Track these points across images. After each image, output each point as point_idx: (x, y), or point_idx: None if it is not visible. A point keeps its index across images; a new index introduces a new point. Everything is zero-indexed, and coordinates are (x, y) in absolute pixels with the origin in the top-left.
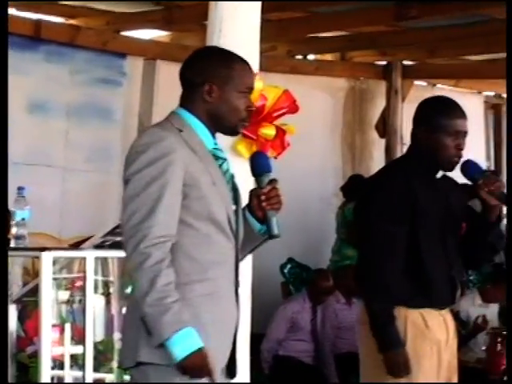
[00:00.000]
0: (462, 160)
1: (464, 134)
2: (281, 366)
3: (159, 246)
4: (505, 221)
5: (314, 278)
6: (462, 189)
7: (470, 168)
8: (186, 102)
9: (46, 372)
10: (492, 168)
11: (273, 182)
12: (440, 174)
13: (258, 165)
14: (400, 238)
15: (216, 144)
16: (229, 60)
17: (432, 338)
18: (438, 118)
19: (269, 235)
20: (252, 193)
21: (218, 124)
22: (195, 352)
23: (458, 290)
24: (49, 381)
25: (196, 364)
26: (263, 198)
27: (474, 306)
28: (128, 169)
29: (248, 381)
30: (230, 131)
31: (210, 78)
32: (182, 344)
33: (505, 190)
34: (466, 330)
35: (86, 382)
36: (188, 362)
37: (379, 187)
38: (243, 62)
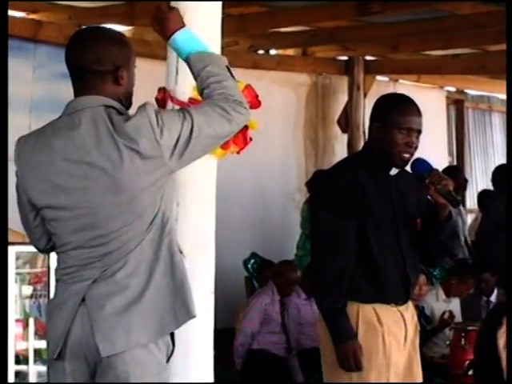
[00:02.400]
0: (415, 157)
1: (417, 131)
2: (254, 359)
3: None
4: (460, 220)
5: (281, 269)
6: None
7: (418, 166)
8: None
9: (10, 367)
10: (454, 163)
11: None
12: (395, 170)
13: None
14: (349, 232)
15: None
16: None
17: (385, 333)
18: (390, 114)
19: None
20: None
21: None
22: None
23: (411, 285)
24: (13, 376)
25: None
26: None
27: (438, 302)
28: None
29: (212, 378)
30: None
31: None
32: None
33: (451, 189)
34: (431, 326)
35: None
36: None
37: (327, 182)
38: None
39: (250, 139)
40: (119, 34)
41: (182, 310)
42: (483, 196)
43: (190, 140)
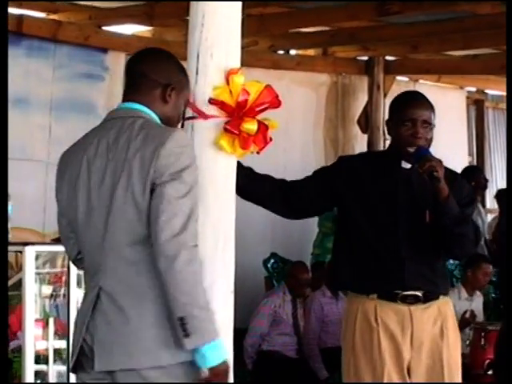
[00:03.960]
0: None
1: (422, 122)
2: (264, 360)
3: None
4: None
5: (293, 270)
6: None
7: (417, 153)
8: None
9: (29, 367)
10: (474, 163)
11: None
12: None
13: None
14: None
15: None
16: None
17: (381, 332)
18: (395, 109)
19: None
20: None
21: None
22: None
23: (410, 280)
24: (32, 375)
25: (226, 371)
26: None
27: (460, 300)
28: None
29: (231, 377)
30: None
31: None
32: (220, 350)
33: (439, 171)
34: None
35: (70, 376)
36: (222, 367)
37: None
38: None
39: (270, 139)
40: (177, 60)
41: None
42: (501, 195)
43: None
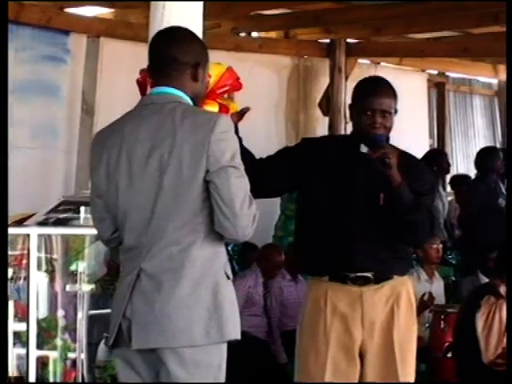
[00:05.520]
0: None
1: (381, 111)
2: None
3: None
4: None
5: (266, 252)
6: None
7: (373, 141)
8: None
9: None
10: (435, 145)
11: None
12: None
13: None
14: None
15: None
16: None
17: (328, 313)
18: (356, 97)
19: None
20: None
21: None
22: None
23: (359, 261)
24: None
25: None
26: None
27: (420, 283)
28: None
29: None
30: None
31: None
32: None
33: (391, 159)
34: None
35: (30, 359)
36: None
37: None
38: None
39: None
40: (198, 36)
41: (215, 329)
42: (455, 181)
43: None
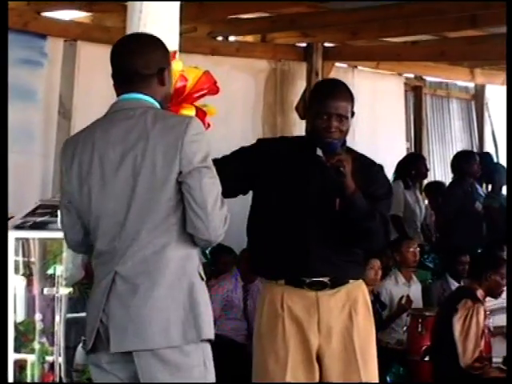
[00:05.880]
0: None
1: (337, 115)
2: (213, 344)
3: None
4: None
5: (246, 257)
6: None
7: (328, 147)
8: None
9: None
10: (412, 149)
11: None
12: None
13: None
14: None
15: None
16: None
17: (285, 318)
18: (313, 99)
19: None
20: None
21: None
22: None
23: (315, 266)
24: None
25: None
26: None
27: (398, 286)
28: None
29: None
30: None
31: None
32: None
33: (346, 167)
34: (388, 311)
35: (7, 362)
36: None
37: None
38: None
39: (209, 125)
40: (158, 38)
41: (192, 329)
42: (429, 188)
43: None
